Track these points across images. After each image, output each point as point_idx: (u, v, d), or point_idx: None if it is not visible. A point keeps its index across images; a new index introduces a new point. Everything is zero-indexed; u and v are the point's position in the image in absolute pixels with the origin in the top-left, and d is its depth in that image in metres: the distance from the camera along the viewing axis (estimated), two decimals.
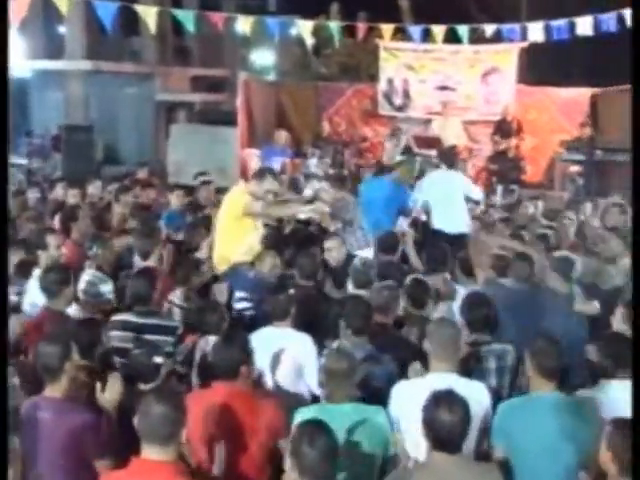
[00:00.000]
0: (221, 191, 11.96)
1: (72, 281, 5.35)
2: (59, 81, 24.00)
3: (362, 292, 5.95)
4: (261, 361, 5.02)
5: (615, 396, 4.18)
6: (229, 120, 14.91)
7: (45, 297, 5.33)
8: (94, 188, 10.06)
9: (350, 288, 6.25)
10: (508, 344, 5.15)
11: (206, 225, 8.13)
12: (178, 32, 27.74)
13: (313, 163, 13.65)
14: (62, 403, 3.90)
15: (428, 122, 15.51)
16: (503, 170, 14.20)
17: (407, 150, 13.14)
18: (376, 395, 4.55)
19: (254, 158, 13.49)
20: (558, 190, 14.14)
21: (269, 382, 5.04)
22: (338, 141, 15.24)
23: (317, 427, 3.49)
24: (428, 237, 8.48)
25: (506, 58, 15.28)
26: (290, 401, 4.94)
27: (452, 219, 8.70)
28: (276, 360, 5.08)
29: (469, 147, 14.93)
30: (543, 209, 10.16)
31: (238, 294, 6.40)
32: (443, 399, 3.62)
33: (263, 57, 32.24)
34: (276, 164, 13.22)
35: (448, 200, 8.84)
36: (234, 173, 13.48)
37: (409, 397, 4.22)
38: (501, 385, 5.06)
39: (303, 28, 11.52)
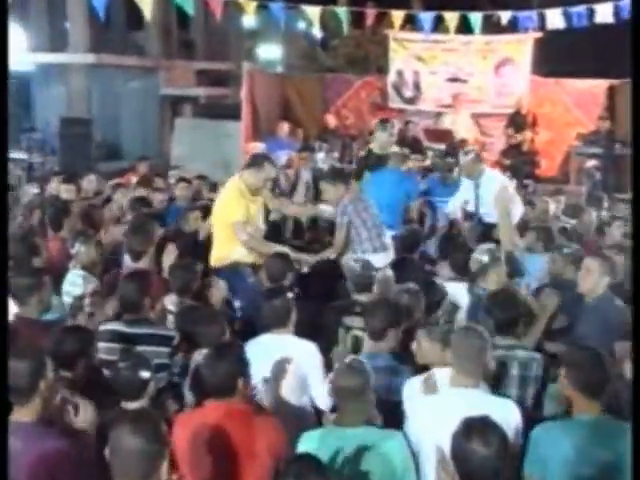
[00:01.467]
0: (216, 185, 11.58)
1: (45, 284, 4.80)
2: (62, 74, 23.53)
3: (363, 298, 5.48)
4: (259, 373, 4.56)
5: None
6: (234, 114, 14.48)
7: (15, 303, 4.76)
8: (88, 183, 9.54)
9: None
10: (535, 352, 4.71)
11: (204, 214, 7.68)
12: (183, 25, 27.52)
13: (320, 157, 13.15)
14: (33, 428, 3.36)
15: (439, 115, 15.05)
16: (517, 164, 13.70)
17: (415, 143, 12.67)
18: (393, 411, 4.09)
19: (259, 151, 13.01)
20: (573, 185, 13.66)
21: (270, 395, 4.57)
22: (346, 134, 14.76)
23: (306, 464, 3.05)
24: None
25: (520, 49, 14.78)
26: (294, 416, 4.49)
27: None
28: (280, 370, 4.59)
29: (481, 141, 14.46)
30: (564, 206, 9.62)
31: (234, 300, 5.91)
32: (477, 429, 3.06)
33: (269, 50, 31.80)
34: (282, 158, 12.81)
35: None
36: (238, 167, 13.02)
37: (429, 417, 3.75)
38: (523, 397, 4.59)
39: (311, 14, 10.96)
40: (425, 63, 15.27)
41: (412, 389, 4.20)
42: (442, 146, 13.14)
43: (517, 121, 14.05)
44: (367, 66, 21.75)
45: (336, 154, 13.41)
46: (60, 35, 24.59)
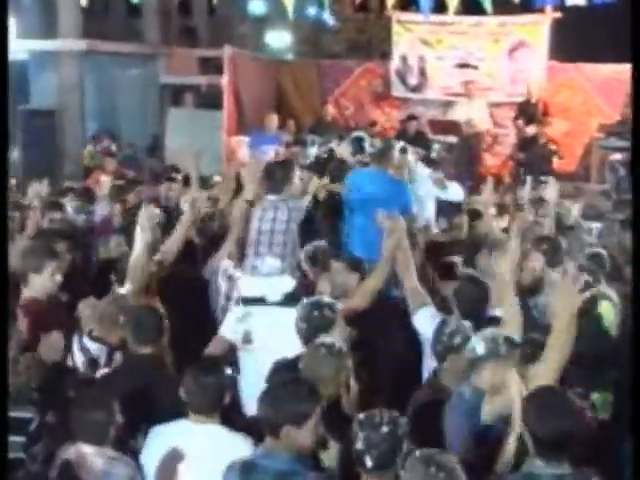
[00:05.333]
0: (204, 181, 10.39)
1: None
2: (53, 63, 22.41)
3: None
4: None
5: None
6: None
7: None
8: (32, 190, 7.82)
9: None
10: None
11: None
12: (184, 11, 26.62)
13: (313, 152, 11.90)
14: None
15: (447, 104, 13.83)
16: (532, 159, 12.36)
17: (418, 136, 11.46)
18: None
19: (243, 146, 11.83)
20: (595, 182, 12.34)
21: None
22: (344, 126, 13.49)
23: None
24: None
25: (536, 30, 13.43)
26: None
27: None
28: (167, 469, 3.26)
29: (493, 133, 13.22)
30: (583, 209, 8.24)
31: None
32: None
33: (276, 36, 30.52)
34: (268, 153, 11.62)
35: None
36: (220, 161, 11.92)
37: None
38: None
39: None
40: (431, 47, 13.99)
41: None
42: (449, 139, 12.20)
43: (527, 111, 12.76)
44: (369, 51, 20.46)
45: None
46: (51, 21, 23.52)
